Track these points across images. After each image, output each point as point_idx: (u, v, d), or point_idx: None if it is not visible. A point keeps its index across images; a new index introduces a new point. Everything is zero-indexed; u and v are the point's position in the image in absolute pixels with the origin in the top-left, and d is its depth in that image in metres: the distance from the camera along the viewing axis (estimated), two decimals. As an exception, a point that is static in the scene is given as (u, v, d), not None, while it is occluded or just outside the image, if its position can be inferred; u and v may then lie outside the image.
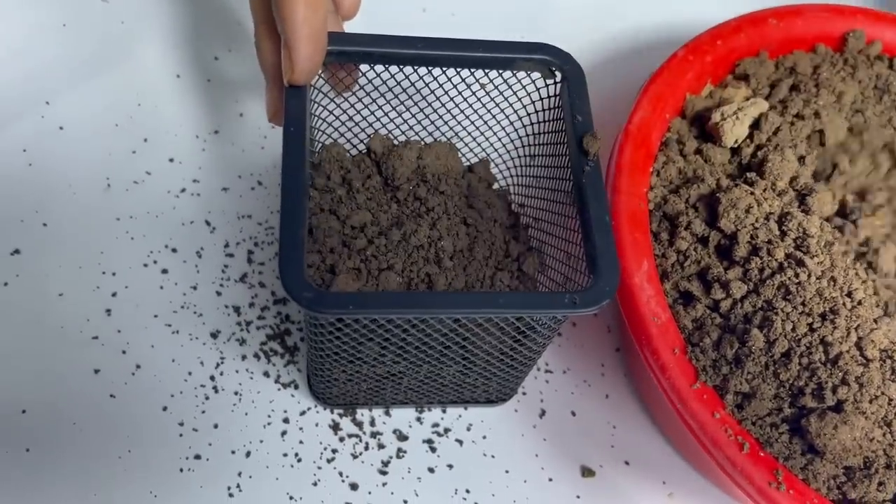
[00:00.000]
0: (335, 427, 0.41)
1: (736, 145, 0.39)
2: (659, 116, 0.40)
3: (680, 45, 0.42)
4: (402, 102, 0.37)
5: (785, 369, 0.33)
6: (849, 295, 0.34)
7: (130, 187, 0.45)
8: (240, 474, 0.39)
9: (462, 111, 0.38)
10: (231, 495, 0.39)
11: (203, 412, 0.40)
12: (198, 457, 0.39)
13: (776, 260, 0.35)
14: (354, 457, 0.41)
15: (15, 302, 0.41)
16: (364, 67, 0.35)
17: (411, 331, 0.31)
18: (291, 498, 0.39)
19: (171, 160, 0.46)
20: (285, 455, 0.40)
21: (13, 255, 0.42)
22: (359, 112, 0.38)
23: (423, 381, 0.38)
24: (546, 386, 0.44)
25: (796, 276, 0.34)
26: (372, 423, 0.42)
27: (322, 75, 0.35)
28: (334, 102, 0.37)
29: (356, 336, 0.32)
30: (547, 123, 0.36)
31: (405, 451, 0.41)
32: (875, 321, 0.34)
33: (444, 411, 0.42)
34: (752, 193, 0.36)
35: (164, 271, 0.43)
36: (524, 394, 0.44)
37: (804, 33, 0.43)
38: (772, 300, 0.34)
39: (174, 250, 0.44)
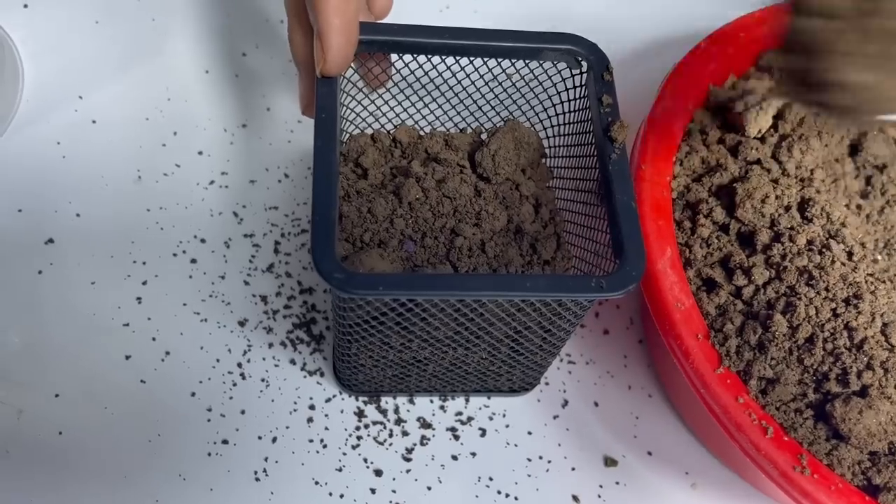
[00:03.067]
0: (360, 414, 0.42)
1: (760, 136, 0.40)
2: (682, 107, 0.40)
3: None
4: (429, 93, 0.38)
5: (809, 354, 0.34)
6: (873, 279, 0.34)
7: (160, 179, 0.46)
8: (266, 459, 0.40)
9: (488, 101, 0.38)
10: (257, 479, 0.39)
11: (230, 398, 0.41)
12: (225, 441, 0.40)
13: (798, 246, 0.35)
14: (379, 443, 0.41)
15: (48, 289, 0.42)
16: (393, 57, 0.36)
17: (438, 314, 0.32)
18: (317, 483, 0.40)
19: (200, 153, 0.47)
20: (311, 441, 0.41)
21: (47, 244, 0.43)
22: (386, 103, 0.39)
23: (448, 368, 0.38)
24: (569, 377, 0.44)
25: (819, 261, 0.34)
26: (396, 411, 0.42)
27: (354, 67, 0.36)
28: (363, 93, 0.37)
29: (384, 319, 0.32)
30: (573, 113, 0.37)
31: (429, 439, 0.42)
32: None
33: (467, 400, 0.43)
34: (773, 181, 0.36)
35: (193, 261, 0.44)
36: (547, 384, 0.44)
37: (827, 26, 0.44)
38: (794, 286, 0.35)
39: (203, 241, 0.45)
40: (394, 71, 0.37)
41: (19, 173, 0.45)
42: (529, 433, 0.43)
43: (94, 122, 0.47)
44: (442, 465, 0.41)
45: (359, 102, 0.38)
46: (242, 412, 0.41)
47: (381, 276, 0.29)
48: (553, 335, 0.35)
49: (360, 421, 0.42)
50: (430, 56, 0.35)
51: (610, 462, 0.42)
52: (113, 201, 0.45)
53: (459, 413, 0.43)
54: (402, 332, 0.34)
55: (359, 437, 0.41)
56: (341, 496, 0.40)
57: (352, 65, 0.35)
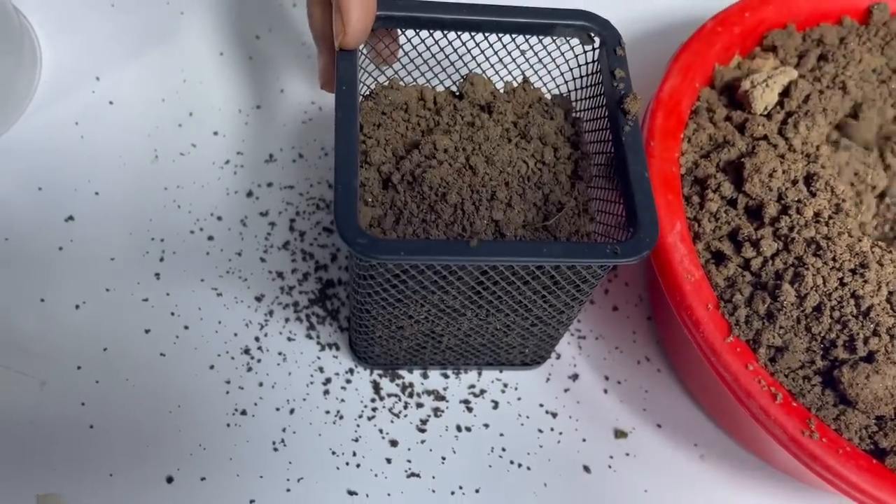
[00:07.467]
0: (375, 387, 0.43)
1: (766, 112, 0.41)
2: (689, 85, 0.41)
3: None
4: (444, 69, 0.39)
5: (817, 322, 0.34)
6: (879, 249, 0.35)
7: (177, 158, 0.47)
8: (284, 430, 0.41)
9: (501, 78, 0.39)
10: (276, 449, 0.40)
11: (248, 371, 0.42)
12: (244, 413, 0.41)
13: (805, 218, 0.36)
14: (394, 415, 0.42)
15: (69, 266, 0.43)
16: (409, 33, 0.37)
17: (455, 282, 0.33)
18: (333, 453, 0.41)
19: (216, 133, 0.48)
20: (328, 413, 0.42)
21: (67, 222, 0.44)
22: (402, 80, 0.39)
23: (462, 340, 0.39)
24: (579, 351, 0.45)
25: (826, 232, 0.35)
26: (411, 384, 0.43)
27: (366, 46, 0.36)
28: (379, 69, 0.38)
29: (403, 287, 0.33)
30: (586, 89, 0.38)
31: (443, 411, 0.43)
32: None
33: (479, 374, 0.44)
34: (780, 156, 0.37)
35: (210, 238, 0.45)
36: (558, 358, 0.45)
37: (831, 6, 0.44)
38: (802, 256, 0.35)
39: (219, 218, 0.46)
40: (409, 46, 0.37)
41: (39, 153, 0.45)
42: (541, 405, 0.43)
43: (111, 103, 0.48)
44: (455, 437, 0.42)
45: (375, 80, 0.39)
46: (260, 385, 0.42)
47: (403, 241, 0.30)
48: (567, 305, 0.36)
49: (375, 393, 0.42)
50: (444, 31, 0.36)
51: (620, 434, 0.43)
52: (131, 180, 0.46)
53: (472, 386, 0.43)
54: (420, 300, 0.34)
55: (374, 409, 0.42)
56: (357, 466, 0.41)
57: (367, 44, 0.36)
